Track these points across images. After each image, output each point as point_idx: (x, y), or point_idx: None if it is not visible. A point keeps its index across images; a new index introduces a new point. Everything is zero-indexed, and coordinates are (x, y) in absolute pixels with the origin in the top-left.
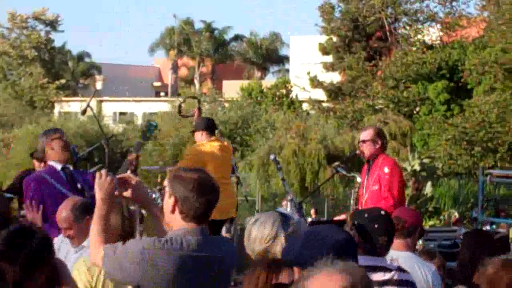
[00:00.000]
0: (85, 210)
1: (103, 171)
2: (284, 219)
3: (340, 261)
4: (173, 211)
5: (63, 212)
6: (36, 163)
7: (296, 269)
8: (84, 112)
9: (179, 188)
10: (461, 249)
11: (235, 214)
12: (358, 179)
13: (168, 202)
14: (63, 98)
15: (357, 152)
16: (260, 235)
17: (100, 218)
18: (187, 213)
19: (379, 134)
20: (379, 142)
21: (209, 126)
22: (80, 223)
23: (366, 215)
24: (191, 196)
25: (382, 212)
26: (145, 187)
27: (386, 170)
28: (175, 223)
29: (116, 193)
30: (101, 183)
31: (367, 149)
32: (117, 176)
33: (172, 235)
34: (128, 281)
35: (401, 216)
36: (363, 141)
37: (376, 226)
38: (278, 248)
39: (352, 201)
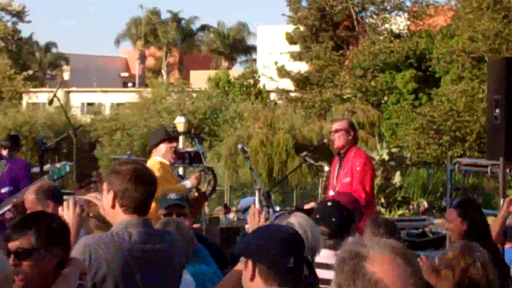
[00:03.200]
0: (47, 194)
1: (70, 201)
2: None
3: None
4: (113, 206)
5: (29, 194)
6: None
7: (243, 260)
8: (51, 102)
9: (116, 181)
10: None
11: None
12: (326, 168)
13: (107, 197)
14: (31, 89)
15: (325, 141)
16: None
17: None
18: (128, 205)
19: (352, 125)
20: (352, 134)
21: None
22: (41, 204)
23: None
24: (129, 187)
25: (329, 203)
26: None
27: (358, 163)
28: (117, 217)
29: (84, 214)
30: (69, 214)
31: (340, 139)
32: (83, 199)
33: (114, 229)
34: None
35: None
36: (336, 131)
37: (317, 216)
38: None
39: (320, 190)
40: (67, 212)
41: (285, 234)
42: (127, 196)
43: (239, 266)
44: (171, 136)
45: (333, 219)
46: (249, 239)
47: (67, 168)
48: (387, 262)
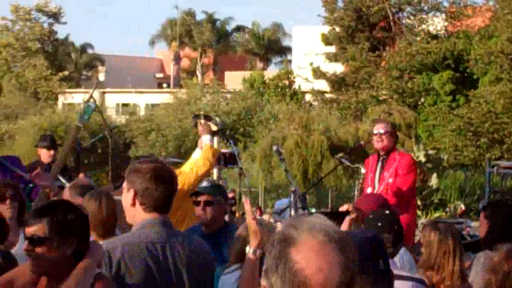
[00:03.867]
0: (80, 192)
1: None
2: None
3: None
4: (133, 204)
5: (65, 190)
6: (43, 151)
7: None
8: (87, 102)
9: (137, 180)
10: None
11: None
12: (363, 170)
13: (127, 196)
14: (67, 90)
15: (362, 143)
16: None
17: None
18: (148, 204)
19: (395, 127)
20: (395, 136)
21: None
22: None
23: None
24: (150, 185)
25: (387, 212)
26: None
27: (404, 164)
28: (137, 216)
29: None
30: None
31: (385, 141)
32: None
33: (134, 229)
34: None
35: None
36: (381, 134)
37: (379, 224)
38: None
39: (356, 192)
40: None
41: (369, 236)
42: (147, 194)
43: (251, 255)
44: None
45: (395, 227)
46: None
47: (93, 106)
48: (313, 249)
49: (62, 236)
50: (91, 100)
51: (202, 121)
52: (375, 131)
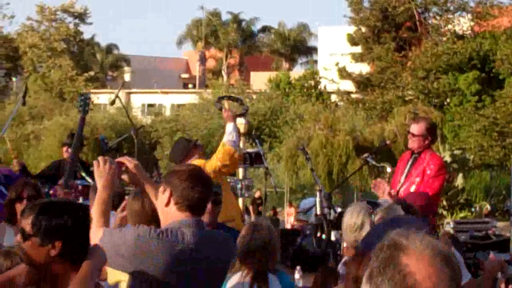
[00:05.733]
0: None
1: (100, 158)
2: (372, 207)
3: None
4: (168, 204)
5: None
6: (65, 149)
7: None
8: (113, 102)
9: (174, 180)
10: None
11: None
12: (388, 169)
13: (162, 197)
14: (92, 90)
15: (388, 142)
16: (348, 224)
17: (101, 203)
18: (182, 203)
19: (431, 130)
20: (429, 138)
21: None
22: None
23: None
24: (186, 185)
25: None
26: (142, 170)
27: (432, 167)
28: (170, 216)
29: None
30: (100, 171)
31: (415, 143)
32: (116, 160)
33: (168, 227)
34: (121, 268)
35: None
36: (413, 135)
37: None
38: None
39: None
40: (97, 169)
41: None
42: (183, 194)
43: None
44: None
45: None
46: (374, 234)
47: (88, 94)
48: (424, 259)
49: (44, 235)
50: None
51: (226, 105)
52: (410, 129)
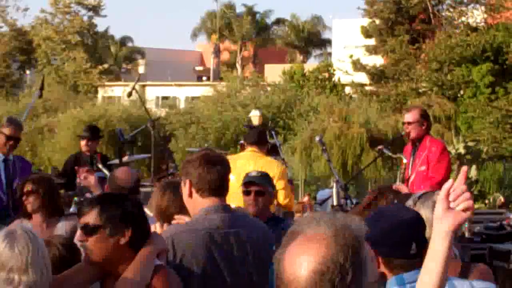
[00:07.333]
0: None
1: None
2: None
3: (335, 217)
4: (190, 194)
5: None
6: (81, 142)
7: None
8: (129, 95)
9: (189, 169)
10: None
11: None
12: (404, 160)
13: (184, 189)
14: (106, 83)
15: (403, 134)
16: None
17: None
18: (204, 188)
19: (424, 115)
20: (425, 124)
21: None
22: None
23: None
24: (202, 170)
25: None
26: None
27: (435, 151)
28: (196, 205)
29: None
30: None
31: (413, 131)
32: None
33: (196, 216)
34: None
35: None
36: (409, 123)
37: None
38: None
39: (398, 182)
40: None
41: (408, 218)
42: (201, 179)
43: None
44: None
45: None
46: (371, 224)
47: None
48: (296, 248)
49: (115, 224)
50: (133, 92)
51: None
52: (404, 120)
